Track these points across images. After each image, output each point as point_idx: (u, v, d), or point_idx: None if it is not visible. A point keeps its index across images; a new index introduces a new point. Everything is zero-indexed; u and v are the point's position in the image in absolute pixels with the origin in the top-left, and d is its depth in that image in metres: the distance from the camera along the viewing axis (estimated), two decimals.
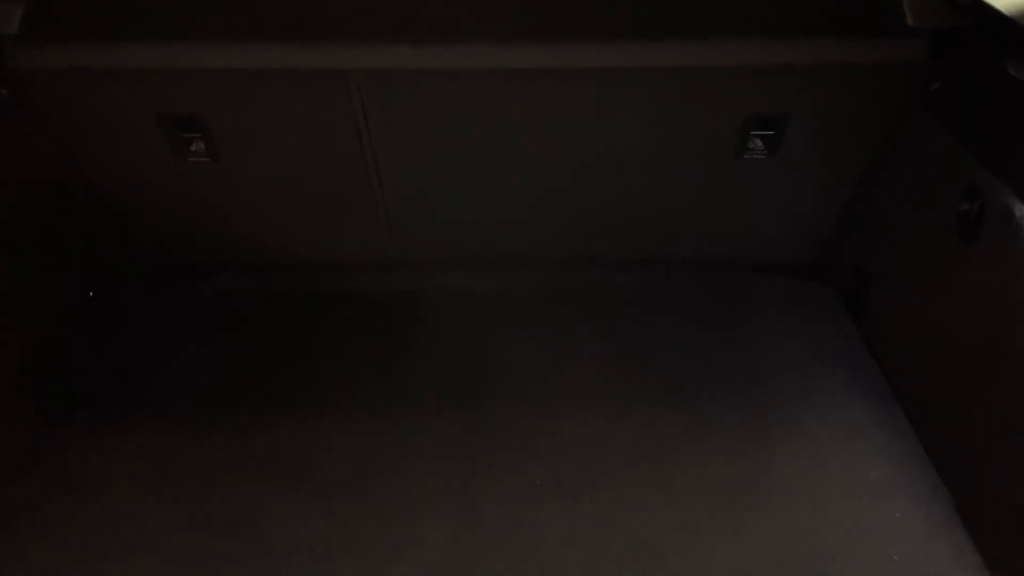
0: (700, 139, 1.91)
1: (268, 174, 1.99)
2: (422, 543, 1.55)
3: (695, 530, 1.57)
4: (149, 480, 1.70)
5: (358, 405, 1.86)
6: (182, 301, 2.21)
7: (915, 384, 1.78)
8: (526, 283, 2.21)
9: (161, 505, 1.64)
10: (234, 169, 1.96)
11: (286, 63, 1.73)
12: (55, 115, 1.84)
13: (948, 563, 1.48)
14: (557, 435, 1.77)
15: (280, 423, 1.81)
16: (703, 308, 2.12)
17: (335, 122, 1.85)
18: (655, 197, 2.05)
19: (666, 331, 2.05)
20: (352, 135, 1.88)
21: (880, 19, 1.61)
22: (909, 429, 1.74)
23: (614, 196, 2.04)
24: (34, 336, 1.84)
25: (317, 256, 2.24)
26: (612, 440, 1.75)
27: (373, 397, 1.88)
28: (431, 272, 2.23)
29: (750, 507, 1.60)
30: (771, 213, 2.12)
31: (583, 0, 1.69)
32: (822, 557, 1.51)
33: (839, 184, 2.02)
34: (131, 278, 2.20)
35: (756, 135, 1.91)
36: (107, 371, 1.97)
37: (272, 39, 1.71)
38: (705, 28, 1.70)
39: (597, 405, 1.84)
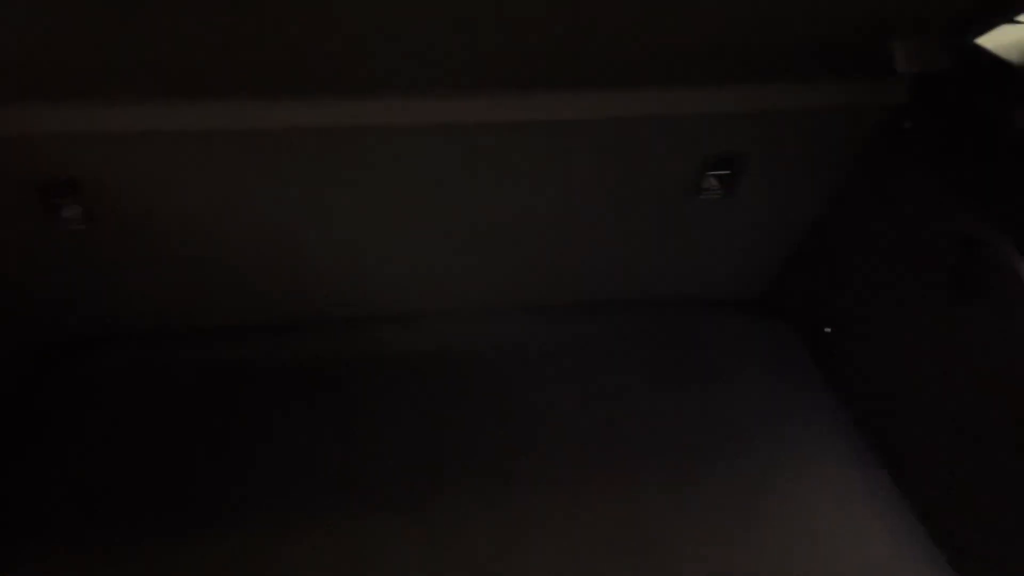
0: (653, 182, 1.75)
1: (169, 236, 1.69)
2: None
3: None
4: None
5: (304, 505, 1.59)
6: (82, 383, 1.85)
7: (899, 446, 1.68)
8: (474, 339, 2.00)
9: None
10: (124, 233, 1.66)
11: (190, 125, 1.45)
12: None
13: None
14: (531, 525, 1.57)
15: (208, 536, 1.52)
16: (661, 356, 1.98)
17: (255, 184, 1.59)
18: (601, 241, 1.89)
19: (626, 385, 1.89)
20: (273, 197, 1.62)
21: (857, 61, 1.48)
22: (897, 493, 1.64)
23: (555, 242, 1.86)
24: None
25: (230, 320, 1.95)
26: (592, 528, 1.57)
27: (320, 493, 1.61)
28: (367, 331, 1.98)
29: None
30: (723, 251, 1.99)
31: (532, 54, 1.48)
32: None
33: (799, 222, 1.91)
34: (18, 366, 1.85)
35: (712, 175, 1.77)
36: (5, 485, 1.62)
37: (169, 95, 1.42)
38: (662, 77, 1.53)
39: (573, 488, 1.66)
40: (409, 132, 1.54)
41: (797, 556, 1.53)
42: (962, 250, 1.43)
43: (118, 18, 1.20)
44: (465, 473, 1.67)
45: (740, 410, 1.83)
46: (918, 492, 1.61)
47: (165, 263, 1.76)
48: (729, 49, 1.45)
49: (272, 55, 1.35)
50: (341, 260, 1.83)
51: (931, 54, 1.35)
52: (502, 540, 1.54)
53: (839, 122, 1.65)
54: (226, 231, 1.70)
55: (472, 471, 1.67)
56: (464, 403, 1.83)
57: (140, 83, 1.39)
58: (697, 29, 1.35)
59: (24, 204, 1.55)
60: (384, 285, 1.93)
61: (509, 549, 1.52)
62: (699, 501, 1.62)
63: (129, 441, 1.70)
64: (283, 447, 1.70)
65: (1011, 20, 1.53)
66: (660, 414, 1.81)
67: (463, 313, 2.02)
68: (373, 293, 1.95)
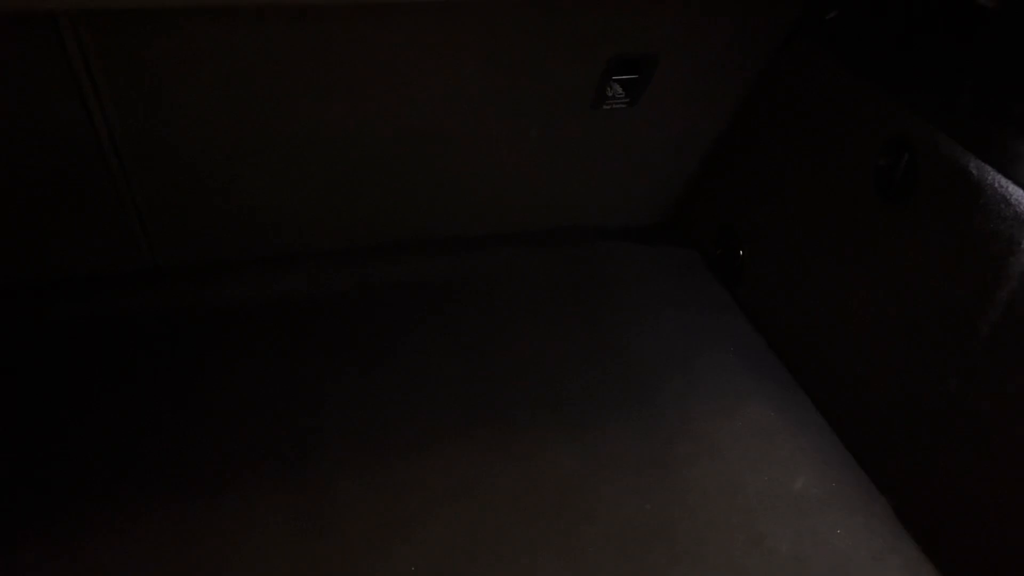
0: (550, 88, 1.54)
1: None
2: None
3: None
4: None
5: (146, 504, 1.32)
6: None
7: (824, 371, 1.55)
8: (335, 280, 1.74)
9: None
10: None
11: None
12: None
13: None
14: (407, 483, 1.35)
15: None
16: (562, 292, 1.77)
17: (42, 89, 1.28)
18: (493, 162, 1.67)
19: (522, 327, 1.68)
20: (72, 103, 1.32)
21: None
22: (823, 423, 1.52)
23: (441, 163, 1.63)
24: None
25: (37, 271, 1.63)
26: (495, 485, 1.37)
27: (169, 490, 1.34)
28: (211, 281, 1.70)
29: (678, 558, 1.30)
30: (625, 170, 1.80)
31: None
32: None
33: (705, 133, 1.73)
34: None
35: (616, 80, 1.57)
36: None
37: None
38: None
39: (462, 437, 1.44)
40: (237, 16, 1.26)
41: (717, 502, 1.37)
42: (892, 148, 1.29)
43: None
44: (328, 440, 1.43)
45: (650, 347, 1.65)
46: (846, 420, 1.49)
47: None
48: None
49: None
50: (175, 195, 1.55)
51: None
52: (399, 516, 1.32)
53: (757, 12, 1.47)
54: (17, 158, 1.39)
55: (336, 433, 1.44)
56: (320, 346, 1.59)
57: None
58: None
59: None
60: (222, 227, 1.65)
61: (406, 525, 1.31)
62: (609, 450, 1.44)
63: None
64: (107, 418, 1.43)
65: None
66: (562, 356, 1.62)
67: (317, 252, 1.77)
68: (213, 237, 1.67)
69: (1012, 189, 1.13)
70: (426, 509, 1.31)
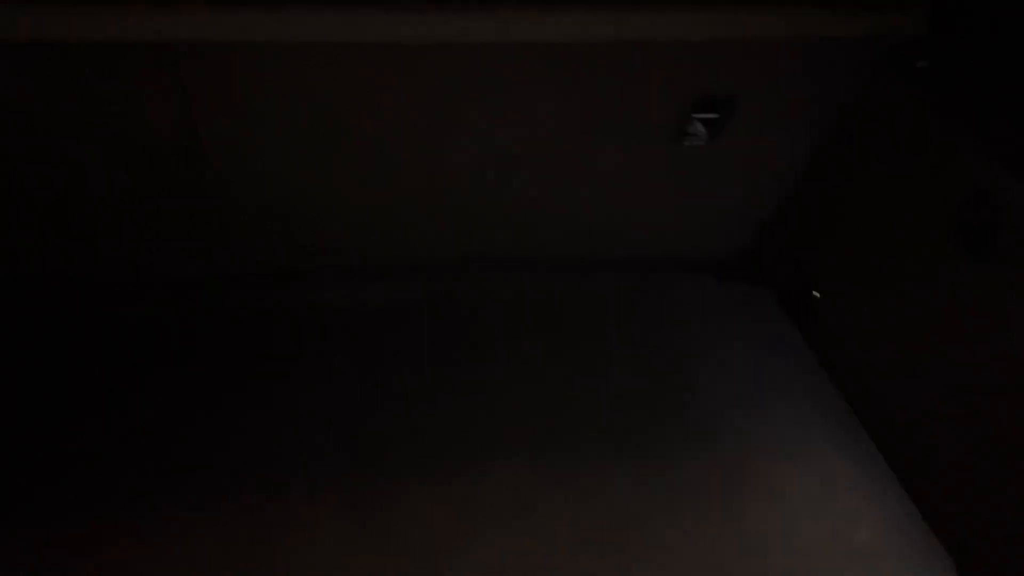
0: (630, 123, 1.56)
1: (58, 170, 1.48)
2: None
3: (644, 527, 1.32)
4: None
5: (213, 499, 1.40)
6: None
7: (894, 423, 1.52)
8: (412, 294, 1.80)
9: None
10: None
11: (74, 34, 1.22)
12: None
13: None
14: (485, 517, 1.39)
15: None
16: (632, 322, 1.79)
17: (144, 108, 1.38)
18: (569, 189, 1.69)
19: (590, 354, 1.71)
20: (173, 121, 1.41)
21: None
22: (891, 475, 1.49)
23: (519, 188, 1.66)
24: None
25: (128, 275, 1.74)
26: (561, 519, 1.39)
27: (236, 480, 1.42)
28: (301, 285, 1.79)
29: (700, 521, 1.31)
30: (702, 204, 1.80)
31: None
32: None
33: (784, 171, 1.72)
34: None
35: (697, 118, 1.57)
36: None
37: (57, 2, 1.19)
38: None
39: (525, 460, 1.48)
40: (348, 50, 1.32)
41: (776, 545, 1.37)
42: (978, 202, 1.26)
43: None
44: (392, 441, 1.50)
45: (717, 384, 1.66)
46: (916, 475, 1.46)
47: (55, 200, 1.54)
48: None
49: None
50: (268, 209, 1.63)
51: None
52: (455, 532, 1.37)
53: (842, 56, 1.46)
54: (124, 165, 1.49)
55: (401, 437, 1.50)
56: (412, 362, 1.65)
57: None
58: None
59: None
60: (318, 238, 1.73)
61: (461, 542, 1.35)
62: (669, 487, 1.45)
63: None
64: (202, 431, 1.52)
65: None
66: (628, 387, 1.64)
67: (403, 266, 1.83)
68: (310, 242, 1.75)
69: None
70: (484, 526, 1.35)
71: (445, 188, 1.65)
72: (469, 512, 1.38)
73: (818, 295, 1.75)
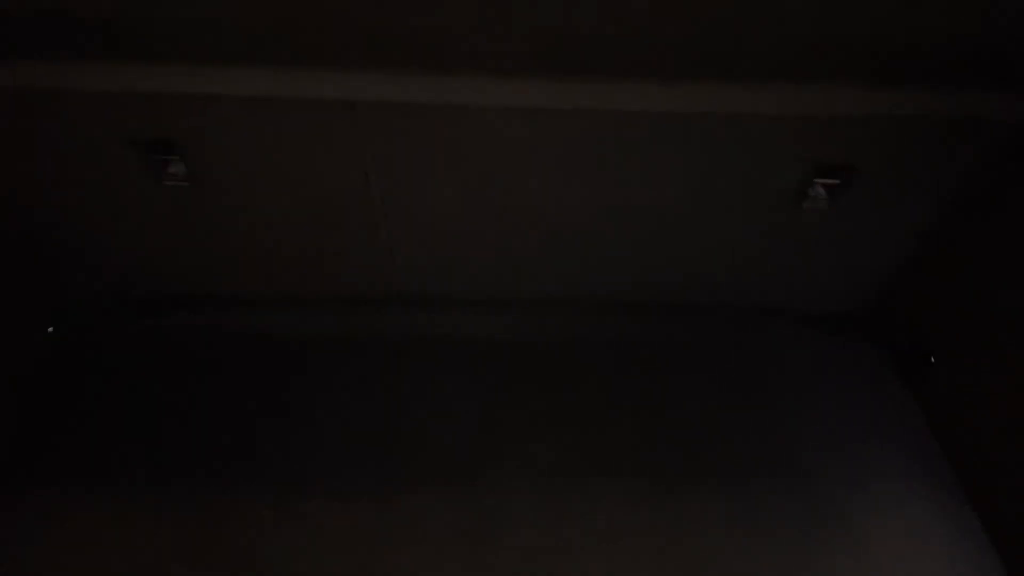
0: (751, 185, 1.67)
1: (255, 201, 1.74)
2: None
3: None
4: (93, 558, 1.49)
5: (347, 476, 1.63)
6: (154, 339, 1.96)
7: (992, 485, 1.55)
8: (542, 329, 1.98)
9: None
10: (216, 194, 1.72)
11: (279, 92, 1.48)
12: (19, 137, 1.58)
13: None
14: (578, 531, 1.55)
15: (250, 499, 1.58)
16: (740, 367, 1.89)
17: (334, 152, 1.61)
18: (697, 242, 1.81)
19: (700, 394, 1.82)
20: (351, 164, 1.63)
21: (981, 69, 1.35)
22: (981, 534, 1.52)
23: (643, 238, 1.80)
24: None
25: (309, 290, 2.00)
26: (643, 535, 1.54)
27: (366, 466, 1.65)
28: (436, 312, 2.00)
29: None
30: (831, 264, 1.88)
31: (633, 37, 1.42)
32: None
33: (905, 239, 1.78)
34: (98, 314, 1.95)
35: (819, 183, 1.66)
36: (61, 428, 1.73)
37: (267, 64, 1.45)
38: (766, 73, 1.44)
39: (626, 493, 1.62)
40: (499, 113, 1.51)
41: None
42: None
43: None
44: (501, 461, 1.67)
45: (817, 433, 1.74)
46: (1014, 546, 1.49)
47: (249, 228, 1.82)
48: (846, 47, 1.36)
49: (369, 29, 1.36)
50: (421, 239, 1.84)
51: None
52: (548, 538, 1.53)
53: (960, 135, 1.52)
54: (310, 198, 1.73)
55: (510, 456, 1.68)
56: (515, 391, 1.82)
57: (242, 52, 1.43)
58: (813, 22, 1.27)
59: (132, 160, 1.63)
60: (455, 270, 1.93)
61: (555, 548, 1.51)
62: (755, 525, 1.55)
63: (198, 403, 1.79)
64: (340, 420, 1.75)
65: None
66: (730, 430, 1.74)
67: (529, 302, 2.00)
68: (460, 275, 1.95)
69: None
70: (582, 545, 1.50)
71: (575, 234, 1.81)
72: (573, 528, 1.54)
73: (933, 360, 1.78)
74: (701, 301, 2.00)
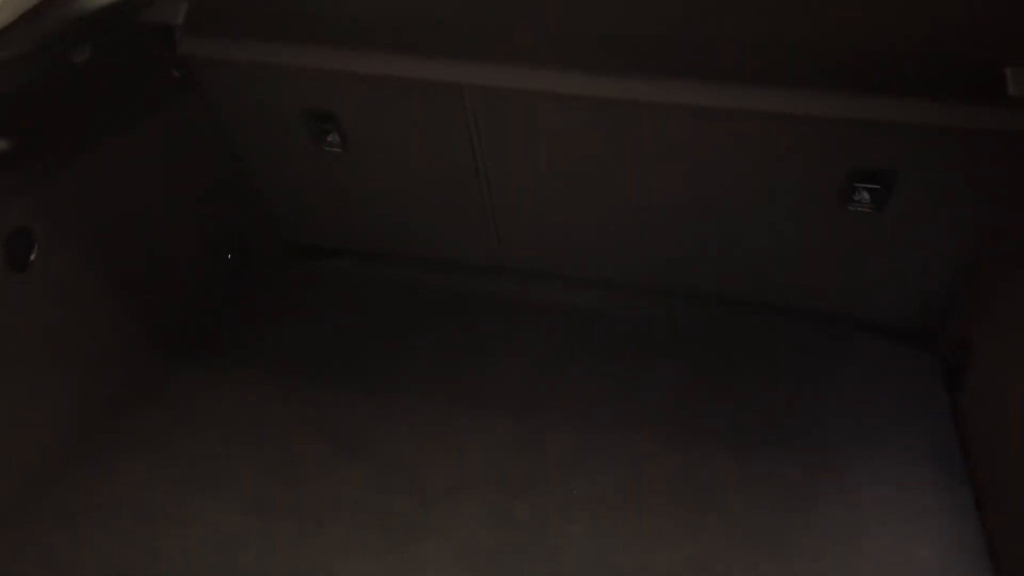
0: (803, 185, 1.89)
1: (389, 170, 2.17)
2: (450, 531, 1.66)
3: (713, 570, 1.57)
4: (241, 425, 1.93)
5: (432, 394, 1.99)
6: (305, 277, 2.45)
7: (990, 470, 1.66)
8: (613, 305, 2.25)
9: (241, 450, 1.85)
10: (360, 161, 2.16)
11: (409, 73, 1.89)
12: (214, 100, 2.11)
13: None
14: (605, 454, 1.81)
15: (359, 398, 1.98)
16: (785, 358, 2.07)
17: (450, 130, 2.00)
18: (752, 238, 2.04)
19: (740, 376, 2.02)
20: (465, 144, 2.02)
21: (993, 87, 1.52)
22: (974, 514, 1.64)
23: (709, 233, 2.05)
24: (173, 285, 2.12)
25: (426, 251, 2.40)
26: (657, 469, 1.78)
27: (447, 392, 2.00)
28: (529, 282, 2.33)
29: (776, 560, 1.58)
30: (880, 271, 2.04)
31: (695, 42, 1.71)
32: None
33: (952, 249, 1.91)
34: (263, 250, 2.45)
35: (862, 187, 1.86)
36: (228, 327, 2.23)
37: (401, 51, 1.87)
38: (811, 79, 1.68)
39: (651, 433, 1.86)
40: (580, 102, 1.84)
41: (853, 543, 1.60)
42: None
43: None
44: (559, 405, 1.96)
45: (846, 418, 1.88)
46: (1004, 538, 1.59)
47: (391, 192, 2.25)
48: (893, 58, 1.56)
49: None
50: (518, 216, 2.19)
51: None
52: (577, 462, 1.80)
53: (989, 147, 1.67)
54: (430, 171, 2.13)
55: (569, 404, 1.96)
56: (586, 352, 2.11)
57: (386, 38, 1.86)
58: (871, 32, 1.48)
59: (293, 125, 2.10)
60: (548, 245, 2.25)
61: (580, 470, 1.78)
62: (770, 475, 1.74)
63: (333, 327, 2.24)
64: (436, 356, 2.12)
65: None
66: (760, 418, 1.90)
67: (608, 280, 2.28)
68: (539, 251, 2.28)
69: None
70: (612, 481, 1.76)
71: (649, 223, 2.09)
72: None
73: (974, 369, 1.88)
74: (763, 301, 2.20)
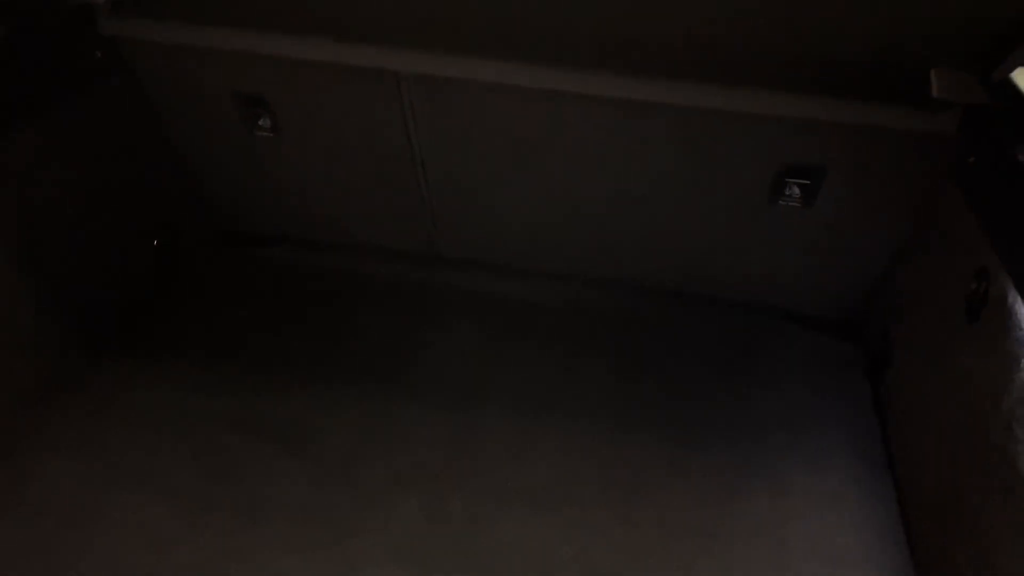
0: (735, 179, 1.92)
1: (323, 156, 2.13)
2: (385, 526, 1.65)
3: (645, 564, 1.60)
4: (168, 419, 1.88)
5: (368, 386, 1.97)
6: (237, 265, 2.38)
7: (908, 459, 1.74)
8: (549, 295, 2.26)
9: (171, 444, 1.80)
10: (293, 147, 2.12)
11: (344, 59, 1.85)
12: (141, 81, 2.03)
13: None
14: (540, 445, 1.83)
15: (293, 390, 1.95)
16: (716, 348, 2.12)
17: (386, 117, 1.97)
18: (684, 230, 2.07)
19: (673, 365, 2.06)
20: (401, 132, 1.99)
21: (919, 89, 1.57)
22: (893, 500, 1.71)
23: (642, 223, 2.07)
24: (97, 273, 2.04)
25: (363, 239, 2.37)
26: (594, 460, 1.80)
27: (382, 382, 1.99)
28: (465, 270, 2.32)
29: (708, 552, 1.62)
30: (809, 265, 2.09)
31: (632, 38, 1.72)
32: None
33: (877, 244, 1.98)
34: (194, 238, 2.39)
35: (792, 182, 1.90)
36: (157, 318, 2.16)
37: (335, 37, 1.83)
38: (744, 77, 1.70)
39: (589, 424, 1.88)
40: (511, 91, 1.83)
41: (779, 534, 1.66)
42: (977, 281, 1.50)
43: None
44: (494, 395, 1.97)
45: (774, 409, 1.94)
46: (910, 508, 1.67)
47: (326, 179, 2.20)
48: (818, 60, 1.59)
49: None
50: (453, 202, 2.18)
51: (966, 86, 1.43)
52: (512, 453, 1.82)
53: (909, 148, 1.73)
54: (366, 158, 2.10)
55: (504, 394, 1.97)
56: (521, 341, 2.12)
57: (320, 22, 1.81)
58: (807, 37, 1.51)
59: (222, 109, 2.05)
60: (482, 234, 2.25)
61: (515, 461, 1.80)
62: (700, 469, 1.78)
63: (265, 316, 2.19)
64: (371, 344, 2.10)
65: None
66: (695, 390, 1.97)
67: (541, 269, 2.29)
68: (473, 240, 2.27)
69: None
70: (547, 466, 1.78)
71: (582, 214, 2.10)
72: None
73: (892, 360, 1.96)
74: (696, 291, 2.24)
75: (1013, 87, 1.37)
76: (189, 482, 1.72)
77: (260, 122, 2.09)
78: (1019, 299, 1.35)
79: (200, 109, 2.09)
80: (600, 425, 1.88)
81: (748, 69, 1.68)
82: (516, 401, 1.95)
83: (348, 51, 1.84)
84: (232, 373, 2.00)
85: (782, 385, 2.00)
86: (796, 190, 1.91)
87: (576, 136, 1.92)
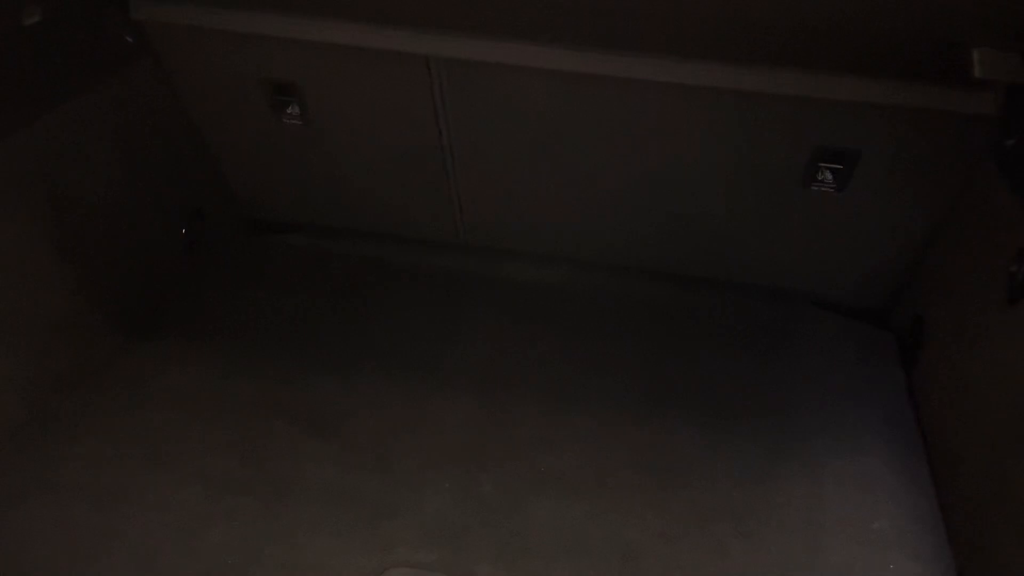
0: (767, 163, 1.90)
1: (350, 142, 2.13)
2: (417, 508, 1.64)
3: (679, 544, 1.59)
4: (200, 402, 1.88)
5: (397, 372, 1.97)
6: (263, 252, 2.39)
7: (944, 442, 1.72)
8: (580, 282, 2.26)
9: (202, 428, 1.81)
10: (321, 134, 2.12)
11: (375, 44, 1.85)
12: (170, 66, 2.03)
13: None
14: (572, 429, 1.82)
15: (323, 375, 1.95)
16: (746, 333, 2.10)
17: (415, 103, 1.96)
18: (716, 215, 2.06)
19: (703, 350, 2.05)
20: (430, 117, 1.99)
21: (958, 69, 1.55)
22: (929, 485, 1.69)
23: (673, 209, 2.06)
24: (127, 258, 2.05)
25: (390, 228, 2.37)
26: (624, 443, 1.79)
27: (411, 367, 1.98)
28: (492, 258, 2.32)
29: (741, 533, 1.61)
30: (840, 250, 2.07)
31: (663, 18, 1.70)
32: None
33: (909, 230, 1.96)
34: (221, 224, 2.39)
35: (825, 167, 1.88)
36: (185, 303, 2.17)
37: (366, 20, 1.82)
38: (779, 58, 1.69)
39: (619, 408, 1.87)
40: (544, 75, 1.82)
41: (813, 516, 1.64)
42: (1018, 263, 1.48)
43: None
44: (525, 380, 1.96)
45: (808, 392, 1.92)
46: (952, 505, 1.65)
47: (353, 166, 2.20)
48: (854, 38, 1.57)
49: None
50: (481, 190, 2.17)
51: (1009, 66, 1.41)
52: (544, 437, 1.81)
53: (947, 130, 1.70)
54: (394, 144, 2.10)
55: (535, 379, 1.97)
56: (551, 327, 2.11)
57: (350, 6, 1.81)
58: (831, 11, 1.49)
59: (251, 95, 2.05)
60: (511, 221, 2.24)
61: (547, 445, 1.79)
62: (734, 450, 1.77)
63: (295, 302, 2.19)
64: (400, 329, 2.10)
65: None
66: (728, 373, 1.96)
67: (572, 257, 2.29)
68: (502, 228, 2.26)
69: None
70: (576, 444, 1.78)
71: (614, 198, 2.09)
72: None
73: (925, 346, 1.94)
74: (725, 278, 2.23)
75: None
76: (221, 464, 1.73)
77: (288, 109, 2.09)
78: None
79: (228, 95, 2.09)
80: (630, 409, 1.87)
81: (783, 49, 1.67)
82: (545, 386, 1.94)
83: (378, 35, 1.83)
84: (262, 357, 2.00)
85: (814, 369, 1.99)
86: (829, 175, 1.90)
87: (607, 120, 1.91)
